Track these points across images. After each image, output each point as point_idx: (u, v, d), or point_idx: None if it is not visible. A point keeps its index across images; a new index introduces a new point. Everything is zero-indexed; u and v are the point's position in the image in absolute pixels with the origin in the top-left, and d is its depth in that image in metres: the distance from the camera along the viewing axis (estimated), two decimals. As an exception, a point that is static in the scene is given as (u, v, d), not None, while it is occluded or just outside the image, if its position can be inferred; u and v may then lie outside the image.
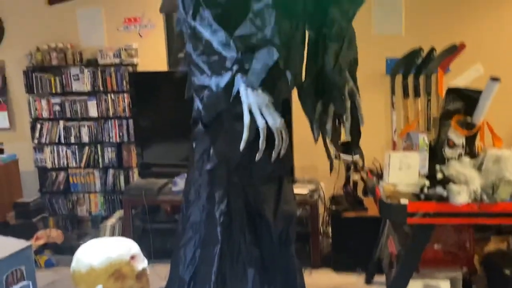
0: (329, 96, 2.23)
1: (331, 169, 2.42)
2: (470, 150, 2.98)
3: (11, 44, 4.81)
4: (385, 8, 4.39)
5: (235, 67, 1.98)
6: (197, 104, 2.18)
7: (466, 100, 2.94)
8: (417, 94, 4.38)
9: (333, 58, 2.08)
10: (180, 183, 4.01)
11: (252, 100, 1.96)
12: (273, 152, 1.99)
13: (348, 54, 2.18)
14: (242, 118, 1.98)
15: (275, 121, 1.97)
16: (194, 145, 2.30)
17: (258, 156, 1.97)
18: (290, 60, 2.02)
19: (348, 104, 2.22)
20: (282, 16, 1.91)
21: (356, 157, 3.75)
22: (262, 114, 1.96)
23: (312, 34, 2.13)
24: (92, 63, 4.64)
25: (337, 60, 2.09)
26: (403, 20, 4.39)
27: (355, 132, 2.35)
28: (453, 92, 2.97)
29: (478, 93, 2.89)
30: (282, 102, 2.10)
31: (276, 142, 1.98)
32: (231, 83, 2.00)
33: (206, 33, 2.05)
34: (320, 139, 2.32)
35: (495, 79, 2.74)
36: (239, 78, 1.99)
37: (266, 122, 1.96)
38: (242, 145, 1.96)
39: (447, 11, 4.33)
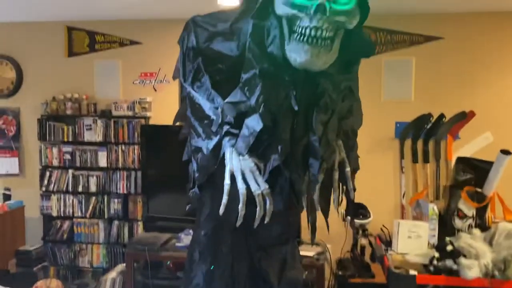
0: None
1: (312, 239, 2.36)
2: (481, 222, 2.95)
3: (28, 92, 4.93)
4: (395, 74, 4.48)
5: (223, 131, 2.01)
6: (194, 166, 2.22)
7: (476, 171, 2.94)
8: (426, 159, 4.39)
9: (321, 128, 1.96)
10: (184, 239, 3.96)
11: (235, 164, 1.97)
12: (256, 219, 1.97)
13: (344, 124, 2.08)
14: (232, 181, 1.99)
15: (258, 186, 1.96)
16: (187, 207, 2.31)
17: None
18: (278, 128, 1.97)
19: (336, 175, 2.03)
20: (270, 85, 1.91)
21: (364, 220, 3.73)
22: (245, 179, 1.97)
23: (301, 103, 1.98)
24: (105, 114, 4.73)
25: (324, 131, 1.98)
26: (413, 86, 4.46)
27: (349, 202, 2.27)
28: (463, 162, 2.98)
29: (489, 164, 2.90)
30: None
31: (258, 209, 1.97)
32: (218, 146, 2.03)
33: (200, 98, 2.13)
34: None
35: (506, 153, 2.75)
36: (226, 141, 2.02)
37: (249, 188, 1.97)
38: (221, 210, 1.96)
39: (456, 78, 4.40)
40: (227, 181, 1.99)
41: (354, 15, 1.77)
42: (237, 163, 1.98)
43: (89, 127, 4.73)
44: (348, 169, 2.02)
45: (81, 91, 4.80)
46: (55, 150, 4.78)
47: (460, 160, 2.98)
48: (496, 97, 4.37)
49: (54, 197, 4.80)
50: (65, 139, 4.77)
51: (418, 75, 4.46)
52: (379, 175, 4.48)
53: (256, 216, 1.94)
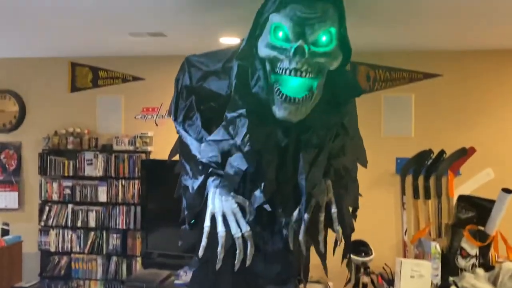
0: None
1: (304, 283, 2.31)
2: (484, 261, 2.91)
3: (30, 126, 4.96)
4: (395, 110, 4.51)
5: (209, 171, 2.05)
6: (183, 203, 2.23)
7: (478, 209, 2.92)
8: (427, 195, 4.37)
9: (308, 166, 1.94)
10: (183, 276, 3.90)
11: (217, 206, 1.96)
12: (235, 262, 1.94)
13: (335, 163, 2.07)
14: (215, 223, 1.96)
15: (239, 229, 1.92)
16: (179, 244, 2.30)
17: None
18: (263, 167, 1.97)
19: (322, 217, 1.98)
20: (255, 124, 1.92)
21: (365, 258, 3.67)
22: (226, 221, 1.94)
23: (287, 141, 1.98)
24: (107, 149, 4.74)
25: (311, 169, 1.95)
26: (412, 122, 4.48)
27: (346, 241, 2.19)
28: (465, 200, 2.96)
29: (491, 202, 2.88)
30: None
31: (237, 252, 1.93)
32: (203, 185, 2.06)
33: (188, 138, 2.20)
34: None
35: (507, 191, 2.73)
36: (210, 181, 2.05)
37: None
38: (200, 252, 1.94)
39: (456, 114, 4.43)
40: (207, 223, 1.97)
41: (335, 56, 1.81)
42: (219, 204, 1.97)
43: (90, 161, 4.74)
44: (334, 210, 1.98)
45: (83, 126, 4.83)
46: (55, 184, 4.77)
47: (461, 198, 2.97)
48: (496, 133, 4.39)
49: (52, 232, 4.75)
50: (66, 174, 4.76)
51: (417, 111, 4.49)
52: (381, 211, 4.44)
53: (236, 261, 1.91)
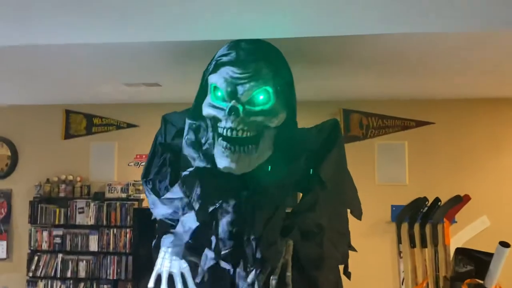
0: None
1: None
2: (485, 316, 2.84)
3: (22, 174, 4.91)
4: (389, 158, 4.52)
5: (161, 229, 2.10)
6: None
7: (477, 263, 2.88)
8: (424, 244, 4.32)
9: (260, 226, 1.90)
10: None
11: (165, 265, 1.97)
12: None
13: (303, 220, 1.99)
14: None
15: None
16: None
17: None
18: (217, 226, 1.95)
19: (273, 282, 1.89)
20: (208, 183, 1.93)
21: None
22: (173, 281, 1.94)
23: (245, 201, 1.95)
24: (99, 197, 4.67)
25: (264, 229, 1.90)
26: (406, 170, 4.49)
27: None
28: (463, 253, 2.92)
29: (489, 255, 2.84)
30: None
31: None
32: (158, 244, 2.11)
33: (149, 197, 2.26)
34: None
35: (505, 245, 2.70)
36: (163, 240, 2.08)
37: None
38: None
39: (450, 162, 4.44)
40: (150, 284, 1.93)
41: (275, 114, 1.82)
42: (167, 264, 1.97)
43: (81, 210, 4.66)
44: (288, 273, 1.90)
45: (75, 173, 4.78)
46: (45, 233, 4.67)
47: (459, 251, 2.93)
48: (490, 181, 4.39)
49: (41, 283, 4.62)
50: (57, 222, 4.67)
51: (411, 158, 4.50)
52: (377, 259, 4.38)
53: None
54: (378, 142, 4.54)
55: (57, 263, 4.62)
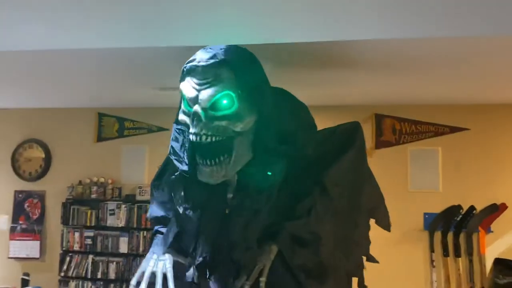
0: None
1: None
2: (525, 330, 2.74)
3: (55, 175, 5.00)
4: (422, 164, 4.42)
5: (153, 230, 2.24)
6: None
7: (517, 274, 2.78)
8: (457, 253, 4.21)
9: (238, 231, 1.90)
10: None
11: (150, 265, 1.97)
12: None
13: (294, 226, 1.92)
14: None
15: None
16: None
17: None
18: (201, 228, 1.97)
19: (247, 285, 1.84)
20: (192, 186, 1.94)
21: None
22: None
23: (223, 206, 1.98)
24: (129, 199, 4.73)
25: (244, 234, 1.90)
26: (440, 176, 4.38)
27: None
28: (502, 264, 2.84)
29: (529, 267, 2.74)
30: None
31: None
32: (151, 244, 2.20)
33: (151, 199, 2.35)
34: None
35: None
36: (154, 239, 2.17)
37: None
38: None
39: (486, 169, 4.32)
40: (132, 281, 1.96)
41: (239, 118, 1.80)
42: (152, 263, 1.98)
43: (112, 211, 4.72)
44: (263, 278, 1.85)
45: (107, 176, 4.85)
46: (77, 234, 4.75)
47: (498, 261, 2.84)
48: (528, 189, 4.25)
49: (72, 284, 4.69)
50: (88, 224, 4.75)
51: (445, 165, 4.39)
52: (408, 268, 4.29)
53: None
54: (411, 148, 4.46)
55: (88, 264, 4.69)
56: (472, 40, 2.43)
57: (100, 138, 4.96)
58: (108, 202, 4.74)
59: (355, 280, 2.17)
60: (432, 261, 4.26)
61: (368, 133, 4.43)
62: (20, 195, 5.01)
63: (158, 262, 1.98)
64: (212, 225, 1.96)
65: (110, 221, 4.71)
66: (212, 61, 1.79)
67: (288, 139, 1.95)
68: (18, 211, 4.98)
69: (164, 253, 2.00)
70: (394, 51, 2.65)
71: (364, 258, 2.21)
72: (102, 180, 4.82)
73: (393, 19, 2.04)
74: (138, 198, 4.72)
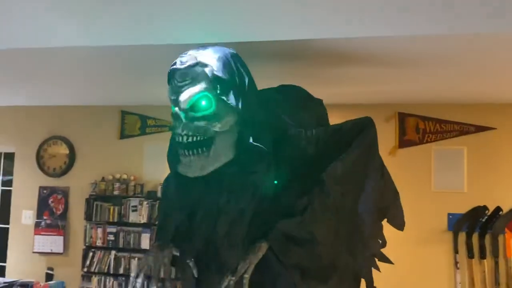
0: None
1: None
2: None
3: (79, 172, 5.08)
4: (446, 164, 4.35)
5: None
6: None
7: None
8: (482, 255, 4.12)
9: (223, 230, 1.96)
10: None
11: (149, 260, 2.05)
12: None
13: (287, 225, 1.91)
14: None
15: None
16: None
17: None
18: (194, 226, 2.07)
19: (230, 283, 1.84)
20: (183, 185, 2.04)
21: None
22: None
23: (213, 205, 2.03)
24: (152, 196, 4.77)
25: (228, 233, 1.96)
26: (465, 177, 4.30)
27: None
28: (529, 266, 2.75)
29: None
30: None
31: None
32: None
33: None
34: None
35: None
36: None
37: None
38: None
39: (512, 169, 4.22)
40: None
41: (217, 118, 1.85)
42: (150, 258, 2.07)
43: (134, 208, 4.77)
44: (246, 275, 1.85)
45: (129, 172, 4.90)
46: (99, 230, 4.81)
47: (526, 264, 2.76)
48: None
49: (95, 279, 4.75)
50: (111, 220, 4.80)
51: (470, 165, 4.31)
52: (432, 269, 4.22)
53: None
54: (435, 148, 4.38)
55: (110, 260, 4.74)
56: (500, 37, 2.37)
57: (123, 136, 5.01)
58: (130, 198, 4.79)
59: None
60: (456, 262, 4.18)
61: (391, 132, 4.38)
62: (44, 191, 5.10)
63: (155, 256, 2.06)
64: (205, 224, 2.03)
65: (132, 217, 4.76)
66: (190, 63, 1.85)
67: (279, 139, 1.98)
68: (43, 206, 5.08)
69: (162, 250, 2.08)
70: (419, 48, 2.60)
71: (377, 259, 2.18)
72: (124, 176, 4.88)
73: (417, 15, 2.01)
74: (160, 194, 4.76)
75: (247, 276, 1.84)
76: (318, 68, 3.08)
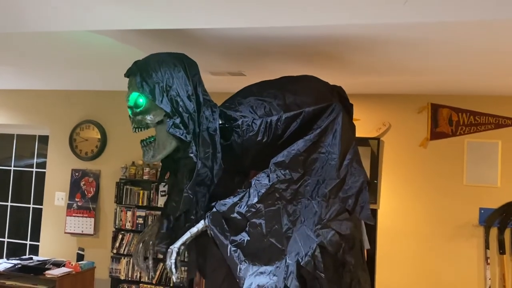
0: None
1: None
2: None
3: (110, 156, 5.18)
4: (479, 157, 4.24)
5: None
6: None
7: None
8: (515, 251, 4.02)
9: (171, 208, 2.57)
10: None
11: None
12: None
13: (226, 207, 2.30)
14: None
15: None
16: None
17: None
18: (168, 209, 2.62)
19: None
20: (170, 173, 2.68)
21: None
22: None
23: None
24: (179, 182, 4.82)
25: (172, 210, 2.53)
26: (499, 171, 4.18)
27: None
28: None
29: None
30: None
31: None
32: None
33: None
34: None
35: None
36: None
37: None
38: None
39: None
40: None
41: (148, 113, 2.29)
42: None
43: (163, 193, 4.82)
44: (173, 246, 2.37)
45: (159, 158, 4.95)
46: (129, 213, 4.91)
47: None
48: None
49: (123, 260, 4.86)
50: (140, 203, 4.89)
51: (505, 159, 4.19)
52: (461, 264, 4.15)
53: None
54: (469, 140, 4.28)
55: (139, 243, 4.83)
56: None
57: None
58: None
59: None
60: (486, 257, 4.09)
61: (423, 123, 4.29)
62: (76, 174, 5.23)
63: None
64: (172, 203, 2.53)
65: (161, 202, 4.82)
66: (134, 67, 2.35)
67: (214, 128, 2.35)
68: (75, 188, 5.21)
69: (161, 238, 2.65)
70: (453, 37, 2.52)
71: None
72: (154, 162, 4.93)
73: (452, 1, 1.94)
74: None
75: (174, 247, 2.33)
76: (350, 55, 3.04)
